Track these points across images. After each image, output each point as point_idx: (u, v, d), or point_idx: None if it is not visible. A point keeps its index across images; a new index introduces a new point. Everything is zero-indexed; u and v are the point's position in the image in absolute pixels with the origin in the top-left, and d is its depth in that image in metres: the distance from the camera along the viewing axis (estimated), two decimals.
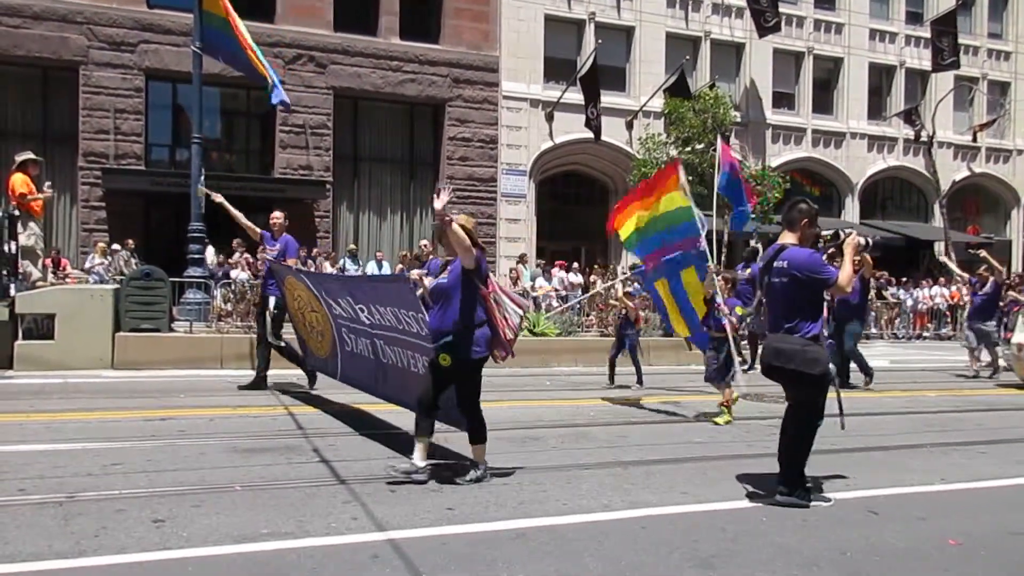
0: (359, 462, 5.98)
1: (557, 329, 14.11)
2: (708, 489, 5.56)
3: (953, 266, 16.36)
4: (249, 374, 10.94)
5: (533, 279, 19.25)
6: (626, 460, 6.32)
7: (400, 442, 6.81)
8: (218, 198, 9.73)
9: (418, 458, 5.38)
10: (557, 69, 23.88)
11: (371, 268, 18.07)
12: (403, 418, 7.99)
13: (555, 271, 19.78)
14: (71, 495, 4.88)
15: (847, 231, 5.48)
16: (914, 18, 29.10)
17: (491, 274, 5.67)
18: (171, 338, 11.79)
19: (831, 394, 5.19)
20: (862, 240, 5.42)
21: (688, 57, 24.67)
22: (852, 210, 28.24)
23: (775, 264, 5.16)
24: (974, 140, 29.74)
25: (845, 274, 5.11)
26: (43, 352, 10.70)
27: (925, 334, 22.56)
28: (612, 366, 11.26)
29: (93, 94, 19.33)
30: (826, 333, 13.14)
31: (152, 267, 12.11)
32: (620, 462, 6.24)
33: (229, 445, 6.48)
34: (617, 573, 3.92)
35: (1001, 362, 13.70)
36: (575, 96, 22.91)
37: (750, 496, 5.37)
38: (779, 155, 26.60)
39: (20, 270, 11.28)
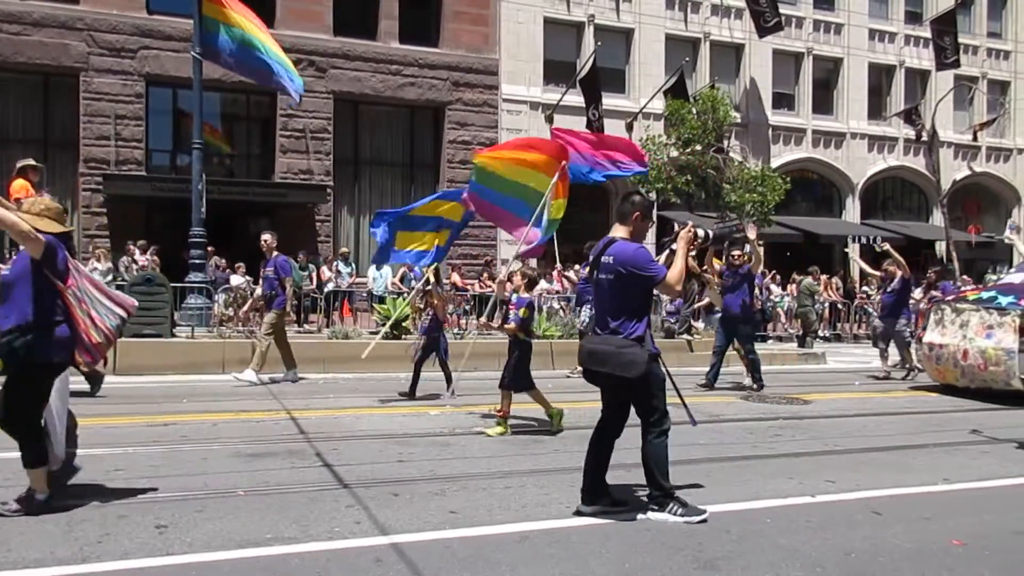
0: (362, 466, 5.98)
1: (559, 331, 14.10)
2: (712, 491, 5.55)
3: (862, 263, 15.50)
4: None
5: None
6: (628, 463, 6.29)
7: (402, 444, 6.81)
8: None
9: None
10: (557, 71, 23.88)
11: (371, 272, 18.03)
12: (403, 421, 8.00)
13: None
14: (74, 501, 4.87)
15: (682, 223, 5.17)
16: (913, 18, 29.11)
17: (79, 267, 4.87)
18: (173, 343, 11.80)
19: (673, 398, 4.92)
20: (699, 232, 5.03)
21: (688, 58, 24.67)
22: (853, 210, 28.24)
23: (603, 259, 4.83)
24: (974, 139, 29.73)
25: (675, 271, 4.76)
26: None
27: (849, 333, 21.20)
28: (417, 374, 9.57)
29: (94, 100, 19.36)
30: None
31: (153, 273, 12.13)
32: (622, 464, 6.21)
33: (232, 450, 6.48)
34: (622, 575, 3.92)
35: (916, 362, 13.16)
36: (575, 98, 22.91)
37: (754, 498, 5.36)
38: (779, 156, 26.60)
39: None
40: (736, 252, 11.19)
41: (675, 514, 4.74)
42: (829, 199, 28.67)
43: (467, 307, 15.55)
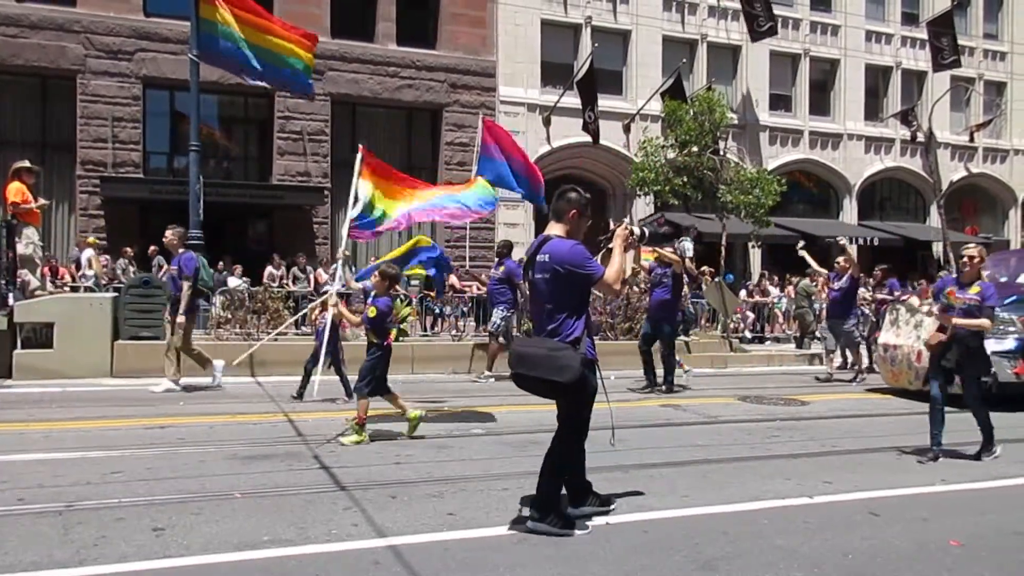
0: (359, 468, 5.97)
1: None
2: (710, 492, 5.55)
3: (810, 259, 14.99)
4: (247, 380, 10.97)
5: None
6: (627, 464, 6.30)
7: (399, 446, 6.81)
8: None
9: None
10: (554, 73, 23.89)
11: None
12: (401, 423, 7.99)
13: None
14: (70, 504, 4.86)
15: (619, 222, 5.09)
16: (910, 19, 29.16)
17: None
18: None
19: (603, 404, 4.75)
20: (636, 231, 4.84)
21: (685, 60, 24.70)
22: (850, 211, 28.27)
23: (537, 258, 4.60)
24: (971, 140, 29.77)
25: (613, 270, 4.52)
26: (42, 361, 10.68)
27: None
28: (314, 376, 9.04)
29: (91, 103, 19.34)
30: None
31: (150, 275, 12.11)
32: (621, 465, 6.23)
33: (229, 452, 6.47)
34: None
35: (866, 362, 12.93)
36: (572, 100, 22.93)
37: (752, 499, 5.36)
38: (776, 157, 26.62)
39: (18, 279, 11.26)
40: (669, 249, 10.87)
41: (553, 525, 4.48)
42: (826, 200, 28.69)
43: (464, 309, 15.53)
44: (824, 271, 14.16)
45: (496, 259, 12.53)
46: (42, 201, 11.75)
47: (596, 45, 23.25)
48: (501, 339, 11.52)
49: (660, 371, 10.97)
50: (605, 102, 23.57)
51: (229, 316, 12.74)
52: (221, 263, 17.80)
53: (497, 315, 11.57)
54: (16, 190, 11.04)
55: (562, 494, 4.72)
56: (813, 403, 10.08)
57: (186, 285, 9.75)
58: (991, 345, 9.54)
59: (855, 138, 28.26)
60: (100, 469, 5.78)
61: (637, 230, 4.86)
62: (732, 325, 16.58)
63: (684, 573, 4.00)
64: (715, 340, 15.89)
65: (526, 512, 4.66)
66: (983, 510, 5.38)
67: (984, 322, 6.64)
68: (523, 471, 5.95)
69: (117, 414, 8.17)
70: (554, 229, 4.70)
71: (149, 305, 11.51)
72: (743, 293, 20.84)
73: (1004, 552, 4.46)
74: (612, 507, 4.98)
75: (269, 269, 17.74)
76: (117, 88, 19.51)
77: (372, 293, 7.51)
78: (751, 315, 19.59)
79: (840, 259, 12.81)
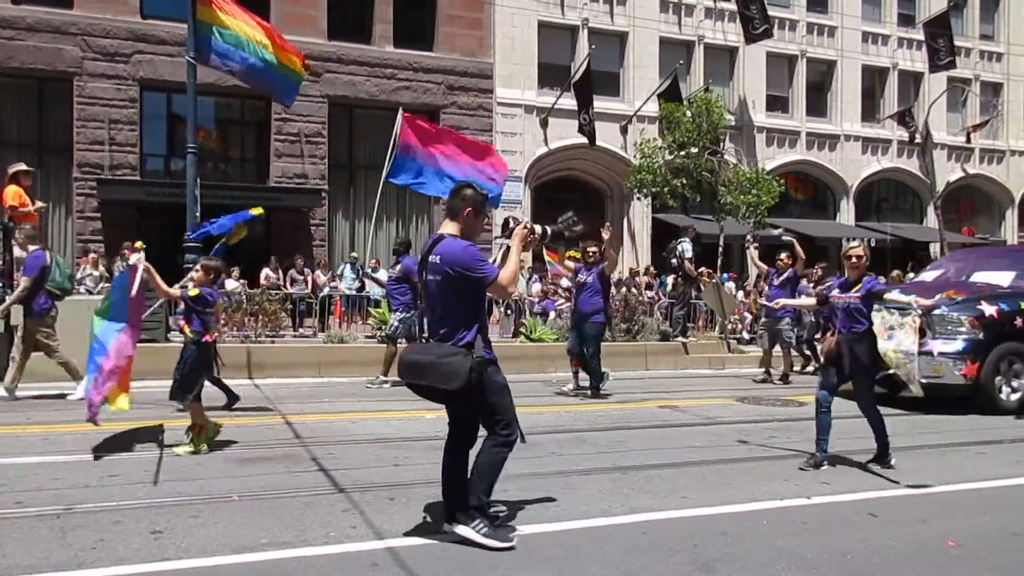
0: (357, 470, 5.97)
1: (554, 335, 14.11)
2: (708, 493, 5.56)
3: (755, 256, 14.78)
4: (245, 383, 10.94)
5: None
6: (625, 465, 6.31)
7: (398, 448, 6.80)
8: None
9: None
10: (551, 75, 23.91)
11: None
12: (398, 424, 7.98)
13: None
14: (69, 507, 4.85)
15: (516, 219, 4.67)
16: (906, 20, 29.22)
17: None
18: (167, 348, 11.74)
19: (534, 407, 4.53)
20: (537, 229, 4.57)
21: (681, 62, 24.74)
22: (847, 212, 28.32)
23: (430, 259, 4.36)
24: (968, 141, 29.82)
25: (508, 271, 4.32)
26: (39, 364, 10.64)
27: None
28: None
29: (88, 105, 19.32)
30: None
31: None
32: (619, 467, 6.23)
33: (227, 455, 6.47)
34: None
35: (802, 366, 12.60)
36: (569, 102, 22.95)
37: (751, 500, 5.36)
38: (773, 158, 26.64)
39: (15, 281, 11.23)
40: (591, 249, 10.51)
41: (479, 532, 4.28)
42: (824, 201, 28.73)
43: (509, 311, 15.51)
44: (764, 266, 13.79)
45: (394, 257, 11.91)
46: (39, 204, 11.73)
47: (593, 47, 23.27)
48: (402, 342, 10.76)
49: (615, 373, 10.66)
50: (602, 104, 23.59)
51: (226, 319, 12.72)
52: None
53: (394, 317, 11.00)
54: (13, 193, 11.02)
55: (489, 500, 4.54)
56: (810, 404, 10.01)
57: (24, 281, 9.26)
58: (939, 346, 9.58)
59: (852, 139, 28.30)
60: (98, 472, 5.78)
61: (539, 228, 4.61)
62: (730, 326, 16.59)
63: (683, 574, 4.00)
64: (713, 341, 15.90)
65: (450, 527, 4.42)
66: (981, 511, 5.38)
67: (903, 297, 6.76)
68: (521, 472, 5.95)
69: (114, 417, 8.13)
70: (448, 228, 4.44)
71: (146, 308, 11.47)
72: (740, 294, 20.86)
73: (1003, 553, 4.47)
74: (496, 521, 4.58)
75: (266, 271, 17.72)
76: (114, 90, 19.49)
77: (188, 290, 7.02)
78: (749, 316, 19.60)
79: (782, 255, 12.49)
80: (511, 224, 4.55)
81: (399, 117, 11.13)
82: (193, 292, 6.88)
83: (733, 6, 25.23)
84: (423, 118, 12.24)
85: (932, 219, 28.74)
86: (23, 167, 11.43)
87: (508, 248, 4.53)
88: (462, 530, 4.32)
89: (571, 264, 11.10)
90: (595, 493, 5.48)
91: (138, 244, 16.07)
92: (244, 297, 13.12)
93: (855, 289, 6.46)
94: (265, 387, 10.58)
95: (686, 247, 16.15)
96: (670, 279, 18.25)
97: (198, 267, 7.13)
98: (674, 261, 16.34)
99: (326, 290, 16.52)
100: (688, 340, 15.21)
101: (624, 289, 17.14)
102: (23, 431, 7.34)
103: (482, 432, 4.52)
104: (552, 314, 14.68)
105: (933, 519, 5.08)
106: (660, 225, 24.77)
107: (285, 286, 17.18)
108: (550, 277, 11.25)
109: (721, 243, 19.51)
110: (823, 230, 27.26)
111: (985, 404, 9.55)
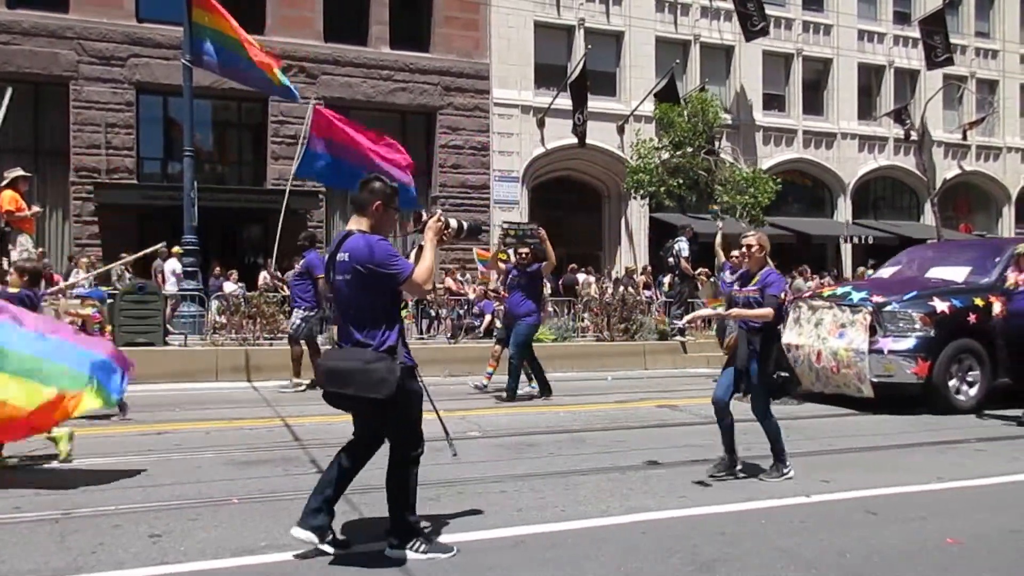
0: None
1: (552, 335, 14.10)
2: (707, 492, 5.56)
3: (684, 262, 14.44)
4: (243, 386, 10.94)
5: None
6: (624, 465, 6.31)
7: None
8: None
9: None
10: (547, 75, 23.93)
11: None
12: None
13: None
14: (67, 511, 4.85)
15: (431, 212, 4.44)
16: (902, 18, 29.27)
17: None
18: (166, 352, 11.75)
19: (431, 413, 4.31)
20: (452, 223, 4.27)
21: (678, 61, 24.75)
22: (845, 210, 28.36)
23: (338, 258, 4.04)
24: (964, 138, 29.88)
25: (424, 267, 4.01)
26: None
27: None
28: None
29: (84, 109, 19.31)
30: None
31: (146, 281, 12.08)
32: (618, 467, 6.23)
33: (226, 458, 6.46)
34: None
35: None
36: (566, 102, 22.97)
37: (749, 499, 5.36)
38: (771, 156, 26.68)
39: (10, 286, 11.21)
40: (523, 250, 10.22)
41: (417, 551, 4.08)
42: (821, 199, 28.76)
43: (460, 311, 15.53)
44: (692, 272, 13.60)
45: (298, 255, 11.36)
46: (35, 208, 11.73)
47: (589, 47, 23.29)
48: (303, 343, 10.51)
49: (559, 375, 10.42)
50: (599, 103, 23.61)
51: (224, 321, 12.72)
52: (217, 268, 17.79)
53: (297, 315, 10.52)
54: (10, 198, 11.01)
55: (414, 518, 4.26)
56: (807, 403, 10.03)
57: None
58: (889, 344, 9.15)
59: (848, 137, 28.34)
60: (96, 476, 5.76)
61: (454, 222, 4.30)
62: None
63: (682, 574, 4.00)
64: (711, 340, 15.87)
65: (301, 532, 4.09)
66: (980, 508, 5.38)
67: (763, 312, 5.82)
68: (519, 473, 5.96)
69: (112, 420, 8.13)
70: (356, 223, 4.12)
71: (145, 311, 11.49)
72: None
73: (1002, 550, 4.47)
74: (345, 550, 4.23)
75: (264, 274, 17.69)
76: (110, 94, 19.49)
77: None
78: None
79: (735, 252, 12.44)
80: (424, 217, 4.24)
81: (310, 109, 10.97)
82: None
83: (729, 5, 25.28)
84: (332, 111, 12.08)
85: (929, 216, 28.77)
86: (20, 172, 11.42)
87: (421, 246, 4.22)
88: (400, 554, 4.08)
89: (503, 266, 10.74)
90: (593, 493, 5.47)
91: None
92: (242, 299, 13.10)
93: (754, 282, 5.98)
94: (263, 389, 10.57)
95: (683, 246, 16.16)
96: (667, 278, 18.26)
97: (12, 271, 6.84)
98: (671, 260, 16.35)
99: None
100: (687, 339, 15.21)
101: (622, 288, 17.14)
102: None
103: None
104: (488, 316, 14.57)
105: (932, 517, 5.08)
106: (657, 224, 24.78)
107: (282, 288, 17.15)
108: (479, 276, 10.99)
109: (718, 242, 19.49)
110: (820, 228, 27.29)
111: (939, 403, 9.14)
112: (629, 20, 24.88)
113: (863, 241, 26.89)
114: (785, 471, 5.91)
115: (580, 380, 12.42)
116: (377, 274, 3.94)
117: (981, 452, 7.16)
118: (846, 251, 27.73)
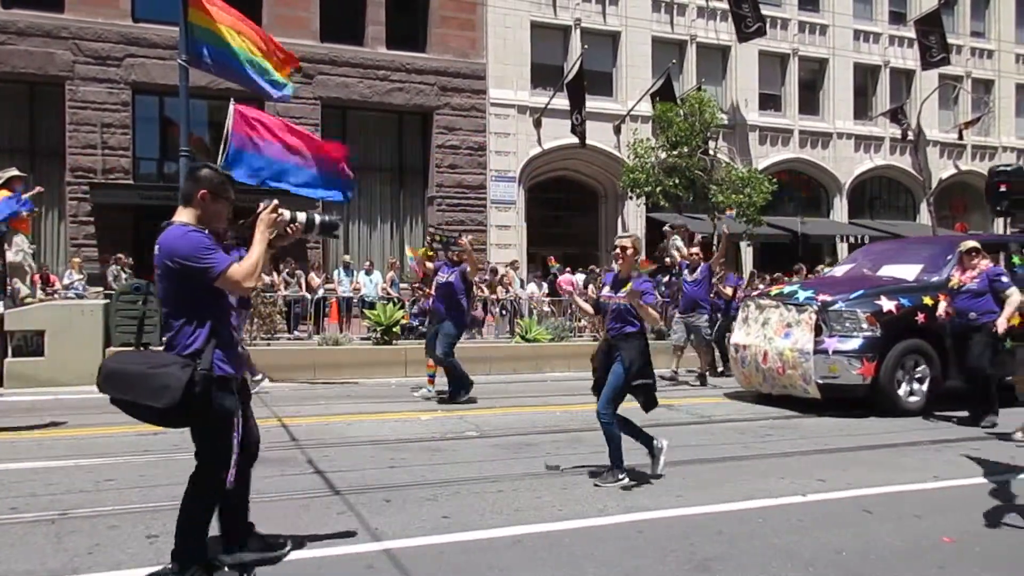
0: (353, 472, 5.97)
1: (549, 335, 14.12)
2: (704, 491, 5.57)
3: (680, 245, 14.29)
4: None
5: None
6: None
7: (393, 450, 6.80)
8: None
9: None
10: (544, 75, 23.93)
11: (361, 278, 18.01)
12: (394, 426, 7.99)
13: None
14: (64, 512, 4.84)
15: (266, 202, 3.79)
16: (897, 18, 29.32)
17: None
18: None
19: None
20: (287, 214, 3.84)
21: (674, 61, 24.76)
22: (841, 210, 28.40)
23: (155, 252, 3.67)
24: (960, 138, 29.92)
25: (248, 263, 3.61)
26: (33, 369, 10.64)
27: None
28: None
29: (80, 109, 19.27)
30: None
31: (142, 281, 12.06)
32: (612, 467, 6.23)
33: None
34: None
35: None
36: (563, 102, 22.95)
37: (746, 498, 5.37)
38: (766, 156, 26.71)
39: (8, 287, 11.21)
40: (694, 250, 10.48)
41: None
42: (817, 199, 28.80)
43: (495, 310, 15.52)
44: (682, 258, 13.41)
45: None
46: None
47: (586, 47, 23.29)
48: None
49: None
50: (595, 103, 23.62)
51: None
52: None
53: None
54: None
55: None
56: (756, 405, 9.94)
57: None
58: (834, 344, 8.92)
59: (844, 137, 28.38)
60: (93, 477, 5.76)
61: (302, 216, 3.92)
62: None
63: (679, 574, 4.01)
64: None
65: (227, 559, 3.99)
66: (975, 507, 5.40)
67: (652, 314, 5.75)
68: (518, 473, 5.97)
69: (109, 421, 8.10)
70: (180, 216, 3.74)
71: (141, 312, 11.47)
72: (728, 291, 20.87)
73: (997, 548, 4.49)
74: (283, 551, 4.12)
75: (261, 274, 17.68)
76: (106, 94, 19.45)
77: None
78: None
79: (694, 249, 12.11)
80: (259, 208, 3.76)
81: (231, 107, 10.90)
82: None
83: (725, 5, 25.26)
84: (254, 107, 11.96)
85: (925, 216, 28.82)
86: (15, 172, 11.39)
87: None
88: None
89: (431, 265, 10.44)
90: (591, 493, 5.49)
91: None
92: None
93: (625, 289, 5.69)
94: (260, 390, 10.55)
95: (679, 246, 16.21)
96: (666, 279, 18.29)
97: None
98: (668, 260, 16.39)
99: (320, 292, 16.50)
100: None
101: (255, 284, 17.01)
102: (16, 437, 7.33)
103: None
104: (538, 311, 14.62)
105: (927, 515, 5.09)
106: (654, 224, 24.78)
107: (279, 289, 17.14)
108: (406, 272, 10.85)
109: (716, 242, 19.52)
110: (817, 228, 27.32)
111: (886, 405, 8.91)
112: (625, 20, 24.89)
113: (859, 240, 26.94)
114: (620, 478, 5.68)
115: (577, 380, 12.43)
116: (187, 269, 3.54)
117: (978, 451, 7.17)
118: (842, 251, 27.76)
